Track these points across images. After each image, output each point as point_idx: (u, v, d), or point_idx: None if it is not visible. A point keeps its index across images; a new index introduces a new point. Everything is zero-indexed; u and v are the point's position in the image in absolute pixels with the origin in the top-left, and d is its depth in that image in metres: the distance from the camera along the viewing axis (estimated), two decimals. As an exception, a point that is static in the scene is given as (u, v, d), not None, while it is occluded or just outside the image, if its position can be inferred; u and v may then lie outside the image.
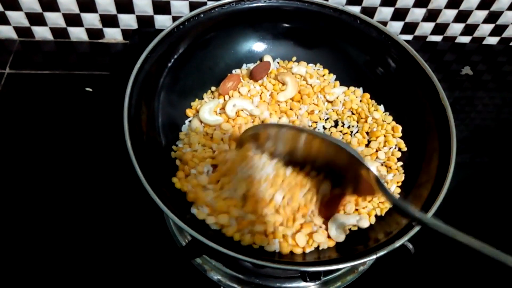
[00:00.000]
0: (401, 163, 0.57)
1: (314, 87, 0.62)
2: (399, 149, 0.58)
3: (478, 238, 0.60)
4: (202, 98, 0.61)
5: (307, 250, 0.48)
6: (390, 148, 0.58)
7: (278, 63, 0.64)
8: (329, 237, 0.50)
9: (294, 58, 0.65)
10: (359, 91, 0.63)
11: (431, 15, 0.80)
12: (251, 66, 0.63)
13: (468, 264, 0.59)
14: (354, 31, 0.60)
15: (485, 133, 0.74)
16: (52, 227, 0.56)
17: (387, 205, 0.53)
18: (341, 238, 0.49)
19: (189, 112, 0.59)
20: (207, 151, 0.54)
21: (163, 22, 0.77)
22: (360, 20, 0.59)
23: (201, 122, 0.57)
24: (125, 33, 0.78)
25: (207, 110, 0.56)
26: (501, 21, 0.82)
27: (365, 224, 0.50)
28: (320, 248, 0.49)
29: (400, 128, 0.58)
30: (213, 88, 0.61)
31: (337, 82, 0.63)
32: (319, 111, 0.61)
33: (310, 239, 0.49)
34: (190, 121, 0.58)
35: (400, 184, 0.55)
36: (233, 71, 0.63)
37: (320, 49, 0.64)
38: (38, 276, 0.53)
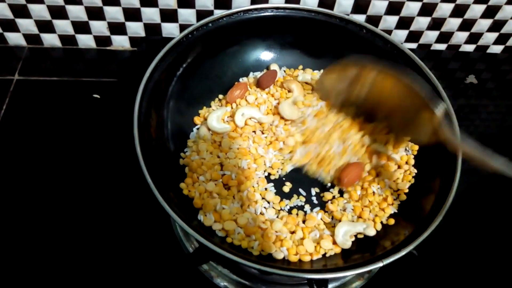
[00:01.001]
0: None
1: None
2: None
3: (482, 243, 0.61)
4: (210, 106, 0.62)
5: (315, 258, 0.49)
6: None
7: (284, 71, 0.65)
8: (335, 243, 0.50)
9: (301, 67, 0.65)
10: None
11: (436, 24, 0.80)
12: (258, 74, 0.63)
13: (473, 268, 0.59)
14: (360, 40, 0.61)
15: (489, 141, 0.74)
16: (59, 231, 0.57)
17: (391, 210, 0.54)
18: (348, 244, 0.50)
19: (197, 119, 0.60)
20: (215, 158, 0.55)
21: (170, 30, 0.78)
22: (366, 29, 0.60)
23: (209, 129, 0.57)
24: (133, 40, 0.79)
25: (215, 118, 0.57)
26: (505, 29, 0.82)
27: (371, 232, 0.51)
28: (327, 255, 0.49)
29: None
30: (220, 96, 0.62)
31: None
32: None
33: (318, 246, 0.49)
34: (198, 129, 0.59)
35: (407, 191, 0.55)
36: (240, 80, 0.63)
37: (326, 58, 0.64)
38: (43, 280, 0.53)
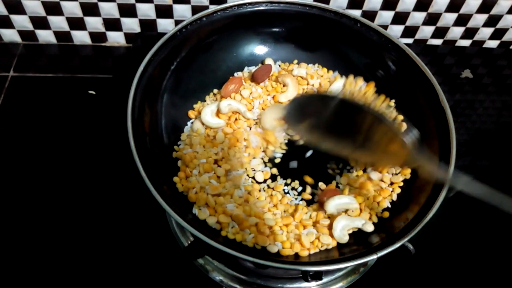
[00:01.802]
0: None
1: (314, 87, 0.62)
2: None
3: (478, 240, 0.61)
4: (205, 101, 0.62)
5: (312, 252, 0.49)
6: None
7: (279, 65, 0.65)
8: (332, 236, 0.50)
9: (295, 61, 0.65)
10: (361, 80, 0.63)
11: (431, 19, 0.80)
12: (253, 69, 0.63)
13: (468, 264, 0.59)
14: (355, 35, 0.61)
15: (485, 136, 0.75)
16: (55, 227, 0.57)
17: (386, 204, 0.54)
18: (345, 239, 0.50)
19: (191, 114, 0.60)
20: (208, 152, 0.55)
21: (165, 25, 0.77)
22: (361, 23, 0.60)
23: (203, 124, 0.57)
24: (128, 36, 0.79)
25: (208, 112, 0.57)
26: (501, 24, 0.82)
27: (369, 228, 0.51)
28: (323, 248, 0.49)
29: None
30: (215, 91, 0.62)
31: (338, 76, 0.64)
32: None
33: (316, 240, 0.49)
34: (192, 123, 0.58)
35: (401, 184, 0.55)
36: (235, 74, 0.63)
37: (321, 52, 0.64)
38: (38, 276, 0.53)
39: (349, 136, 0.48)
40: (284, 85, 0.61)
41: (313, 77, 0.62)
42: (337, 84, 0.62)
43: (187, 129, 0.58)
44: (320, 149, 0.48)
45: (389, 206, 0.54)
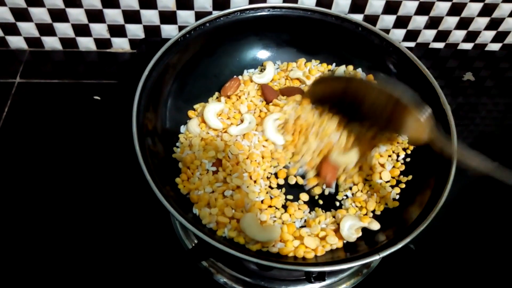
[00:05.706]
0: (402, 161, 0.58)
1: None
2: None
3: (479, 243, 0.61)
4: (207, 102, 0.62)
5: (319, 254, 0.49)
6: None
7: (278, 66, 0.66)
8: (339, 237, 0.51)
9: (294, 64, 0.65)
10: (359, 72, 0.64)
11: (433, 22, 0.81)
12: (252, 71, 0.65)
13: (471, 266, 0.59)
14: (356, 38, 0.61)
15: (488, 139, 0.75)
16: (60, 230, 0.57)
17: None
18: (353, 238, 0.50)
19: (191, 113, 0.60)
20: (207, 153, 0.55)
21: (169, 31, 0.78)
22: (362, 27, 0.61)
23: (204, 122, 0.58)
24: (133, 42, 0.80)
25: (212, 110, 0.58)
26: (502, 27, 0.83)
27: (375, 226, 0.51)
28: (329, 249, 0.49)
29: None
30: (218, 94, 0.63)
31: (337, 68, 0.65)
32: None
33: (323, 241, 0.49)
34: (191, 123, 0.59)
35: (403, 186, 0.56)
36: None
37: (322, 56, 0.65)
38: (43, 277, 0.54)
39: (365, 113, 0.53)
40: None
41: (310, 78, 0.63)
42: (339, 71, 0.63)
43: (189, 129, 0.59)
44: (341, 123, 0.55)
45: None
